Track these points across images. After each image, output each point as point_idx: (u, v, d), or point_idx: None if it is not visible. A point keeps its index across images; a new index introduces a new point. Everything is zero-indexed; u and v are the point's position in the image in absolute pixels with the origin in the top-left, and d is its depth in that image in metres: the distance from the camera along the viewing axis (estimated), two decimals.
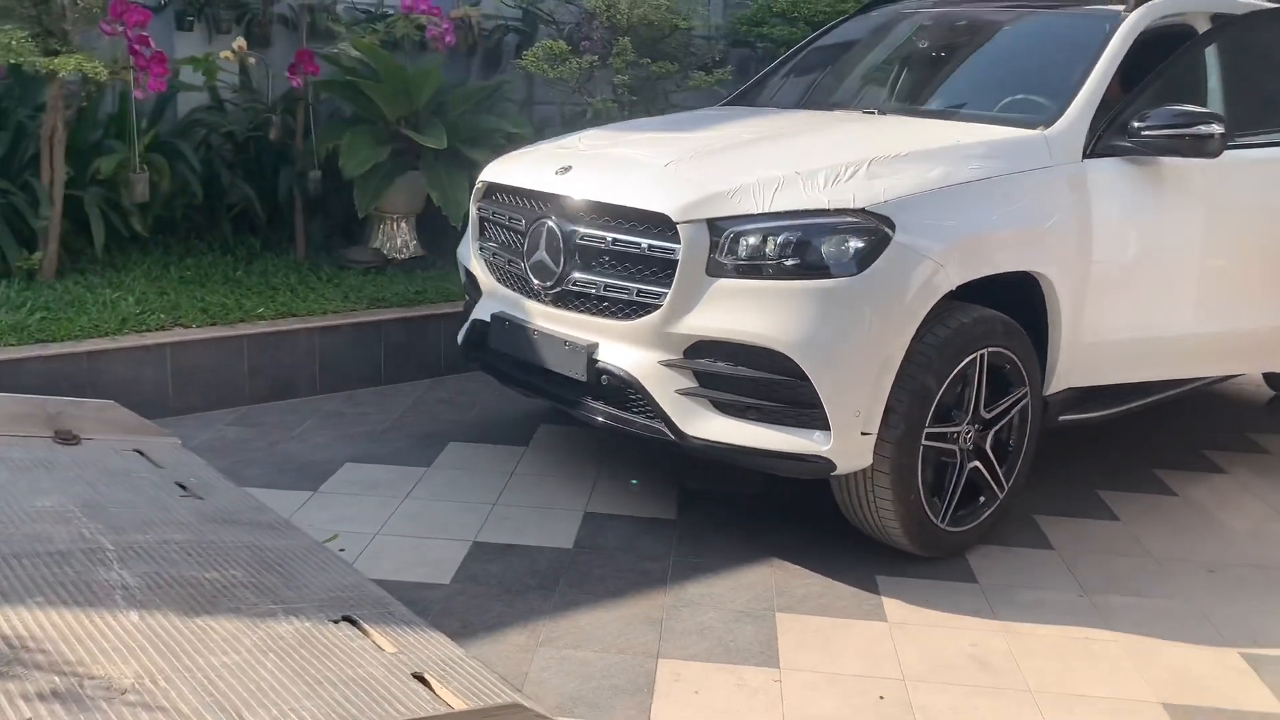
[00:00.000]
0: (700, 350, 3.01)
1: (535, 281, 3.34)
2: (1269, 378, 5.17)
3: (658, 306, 3.01)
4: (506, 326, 3.45)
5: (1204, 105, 3.94)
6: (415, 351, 4.80)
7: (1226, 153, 3.75)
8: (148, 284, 4.72)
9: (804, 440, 2.94)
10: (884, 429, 3.00)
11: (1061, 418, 3.61)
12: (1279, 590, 3.21)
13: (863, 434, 2.94)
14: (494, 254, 3.59)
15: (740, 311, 2.93)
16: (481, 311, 3.63)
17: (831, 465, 2.95)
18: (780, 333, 2.88)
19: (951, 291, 3.06)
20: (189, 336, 4.30)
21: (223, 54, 5.08)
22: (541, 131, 5.65)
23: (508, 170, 3.57)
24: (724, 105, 4.61)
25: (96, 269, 4.86)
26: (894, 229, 2.92)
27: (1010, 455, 3.38)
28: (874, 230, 2.91)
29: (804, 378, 2.88)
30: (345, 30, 5.47)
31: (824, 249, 2.90)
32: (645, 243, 3.04)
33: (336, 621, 2.58)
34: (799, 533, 3.39)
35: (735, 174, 3.06)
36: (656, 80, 6.03)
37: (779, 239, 2.91)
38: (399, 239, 5.57)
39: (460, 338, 3.77)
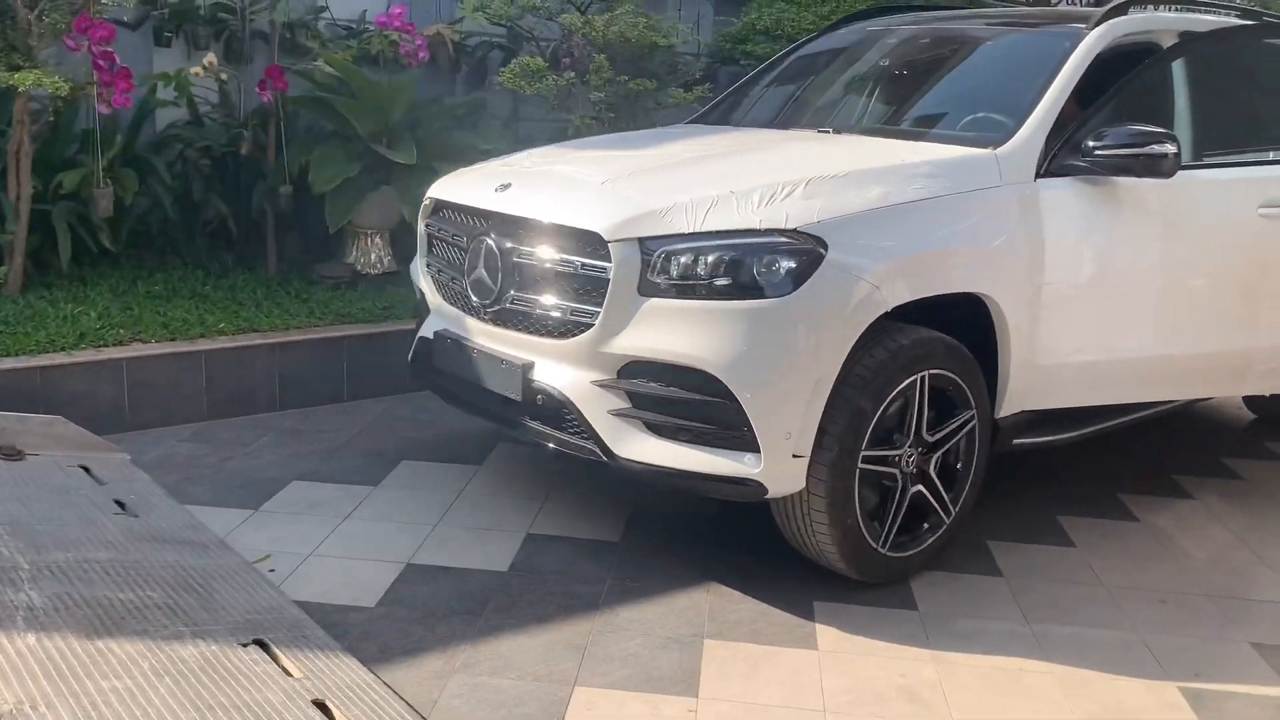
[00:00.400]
0: (633, 370, 2.97)
1: (475, 299, 3.31)
2: (1248, 401, 5.08)
3: (591, 326, 2.97)
4: (449, 345, 3.42)
5: (1168, 125, 3.88)
6: (379, 368, 4.77)
7: (1188, 172, 3.70)
8: (113, 299, 4.72)
9: (734, 463, 2.89)
10: (818, 452, 2.94)
11: (1016, 441, 3.54)
12: (1232, 621, 3.13)
13: (794, 456, 2.89)
14: (439, 271, 3.56)
15: (671, 331, 2.88)
16: (427, 329, 3.60)
17: (763, 489, 2.89)
18: (709, 353, 2.83)
19: (891, 312, 3.00)
20: (147, 352, 4.28)
21: (193, 70, 5.09)
22: (523, 148, 5.64)
23: (453, 187, 3.55)
24: (689, 123, 4.57)
25: (63, 284, 4.86)
26: (827, 249, 2.87)
27: (958, 479, 3.32)
28: (806, 250, 2.86)
29: (733, 399, 2.83)
30: (320, 46, 5.47)
31: (755, 269, 2.86)
32: (579, 261, 3.00)
33: (246, 645, 2.55)
34: (744, 556, 3.33)
35: (670, 192, 3.02)
36: (636, 97, 6.01)
37: (710, 258, 2.87)
38: (373, 254, 5.56)
39: (409, 356, 3.74)
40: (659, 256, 2.89)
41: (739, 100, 4.56)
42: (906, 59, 4.20)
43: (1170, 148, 3.32)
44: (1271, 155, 3.88)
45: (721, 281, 2.86)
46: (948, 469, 3.31)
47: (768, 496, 2.93)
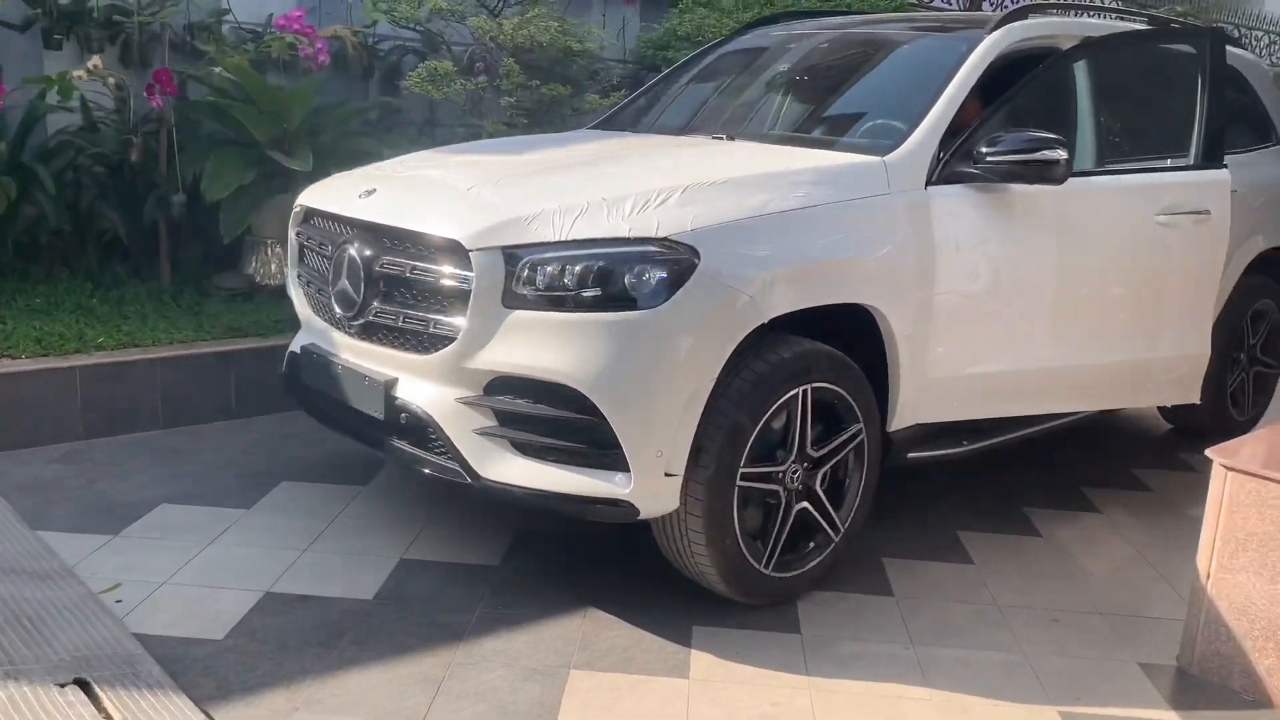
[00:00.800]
0: (499, 387, 2.82)
1: (339, 311, 3.15)
2: (1164, 412, 5.03)
3: (453, 340, 2.82)
4: (316, 360, 3.25)
5: (1066, 131, 3.81)
6: (270, 383, 4.56)
7: (1085, 179, 3.63)
8: None
9: (604, 483, 2.75)
10: (693, 470, 2.81)
11: (911, 455, 3.45)
12: (1122, 640, 3.04)
13: (667, 475, 2.76)
14: (308, 282, 3.39)
15: (537, 346, 2.74)
16: (297, 343, 3.43)
17: (635, 510, 2.76)
18: (574, 368, 2.69)
19: (771, 324, 2.89)
20: (16, 368, 4.07)
21: (76, 73, 4.87)
22: None
23: (321, 193, 3.38)
24: (590, 128, 4.44)
25: None
26: (699, 259, 2.75)
27: (847, 496, 3.20)
28: (677, 260, 2.74)
29: (600, 416, 2.69)
30: (218, 50, 5.28)
31: (624, 279, 2.72)
32: (441, 271, 2.86)
33: (64, 685, 2.37)
34: (629, 579, 3.19)
35: (538, 199, 2.88)
36: (550, 103, 5.87)
37: (577, 268, 2.73)
38: (273, 264, 5.36)
39: (281, 371, 3.57)
40: (524, 266, 2.75)
41: (642, 106, 4.43)
42: (809, 64, 4.10)
43: (1060, 154, 3.24)
44: (1170, 162, 3.82)
45: (589, 293, 2.72)
46: (837, 485, 3.20)
47: (641, 518, 2.80)
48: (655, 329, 2.70)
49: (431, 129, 6.65)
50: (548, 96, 5.84)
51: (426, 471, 2.96)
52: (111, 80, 5.02)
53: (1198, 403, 3.97)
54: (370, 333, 3.06)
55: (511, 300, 2.76)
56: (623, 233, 2.75)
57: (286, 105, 5.12)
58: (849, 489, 3.20)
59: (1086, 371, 3.65)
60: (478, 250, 2.75)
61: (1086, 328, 3.61)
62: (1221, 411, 4.66)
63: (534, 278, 2.74)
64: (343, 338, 3.15)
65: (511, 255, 2.75)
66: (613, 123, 4.39)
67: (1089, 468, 4.44)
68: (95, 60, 4.90)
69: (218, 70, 5.21)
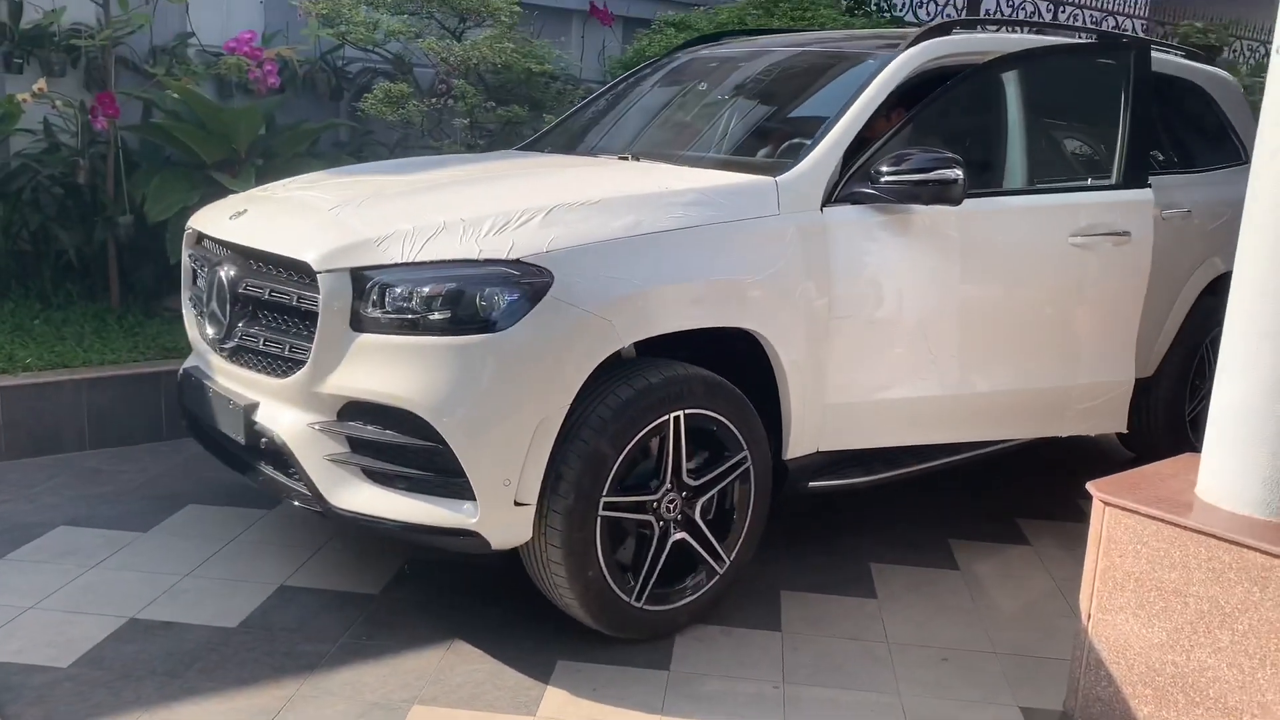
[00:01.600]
0: (351, 412, 2.76)
1: (211, 333, 3.11)
2: (1123, 439, 4.84)
3: (306, 363, 2.76)
4: (194, 383, 3.22)
5: (979, 150, 3.70)
6: None
7: (994, 199, 3.51)
8: None
9: (452, 512, 2.67)
10: (551, 499, 2.72)
11: (812, 485, 3.33)
12: (1012, 683, 2.89)
13: (517, 504, 2.67)
14: (193, 304, 3.36)
15: (383, 370, 2.67)
16: (183, 366, 3.39)
17: (484, 540, 2.67)
18: (417, 393, 2.62)
19: (649, 346, 2.80)
20: None
21: (21, 96, 4.92)
22: None
23: (205, 216, 3.35)
24: (517, 149, 4.39)
25: None
26: (553, 281, 2.67)
27: (734, 526, 3.09)
28: (528, 282, 2.66)
29: (443, 442, 2.61)
30: (166, 72, 5.30)
31: (471, 302, 2.65)
32: (294, 293, 2.80)
33: None
34: (509, 610, 3.11)
35: (395, 220, 2.82)
36: (508, 124, 5.84)
37: (425, 290, 2.66)
38: None
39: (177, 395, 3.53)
40: (372, 288, 2.69)
41: (568, 125, 4.37)
42: (729, 85, 4.02)
43: (955, 173, 3.12)
44: (1090, 181, 3.68)
45: (436, 315, 2.65)
46: (724, 515, 3.10)
47: (494, 549, 2.71)
48: (501, 353, 2.62)
49: (404, 150, 6.65)
50: (505, 117, 5.81)
51: (295, 502, 2.90)
52: (59, 102, 5.05)
53: (1124, 430, 3.80)
54: (238, 355, 3.02)
55: (360, 323, 2.69)
56: (473, 254, 2.68)
57: (233, 126, 5.13)
58: (736, 519, 3.09)
59: (998, 398, 3.50)
60: (325, 272, 2.70)
61: (996, 353, 3.47)
62: (1180, 439, 4.47)
63: (382, 300, 2.68)
64: (217, 360, 3.11)
65: (359, 277, 2.69)
66: (538, 143, 4.33)
67: (1031, 496, 4.28)
68: (40, 83, 4.94)
69: (168, 92, 5.24)
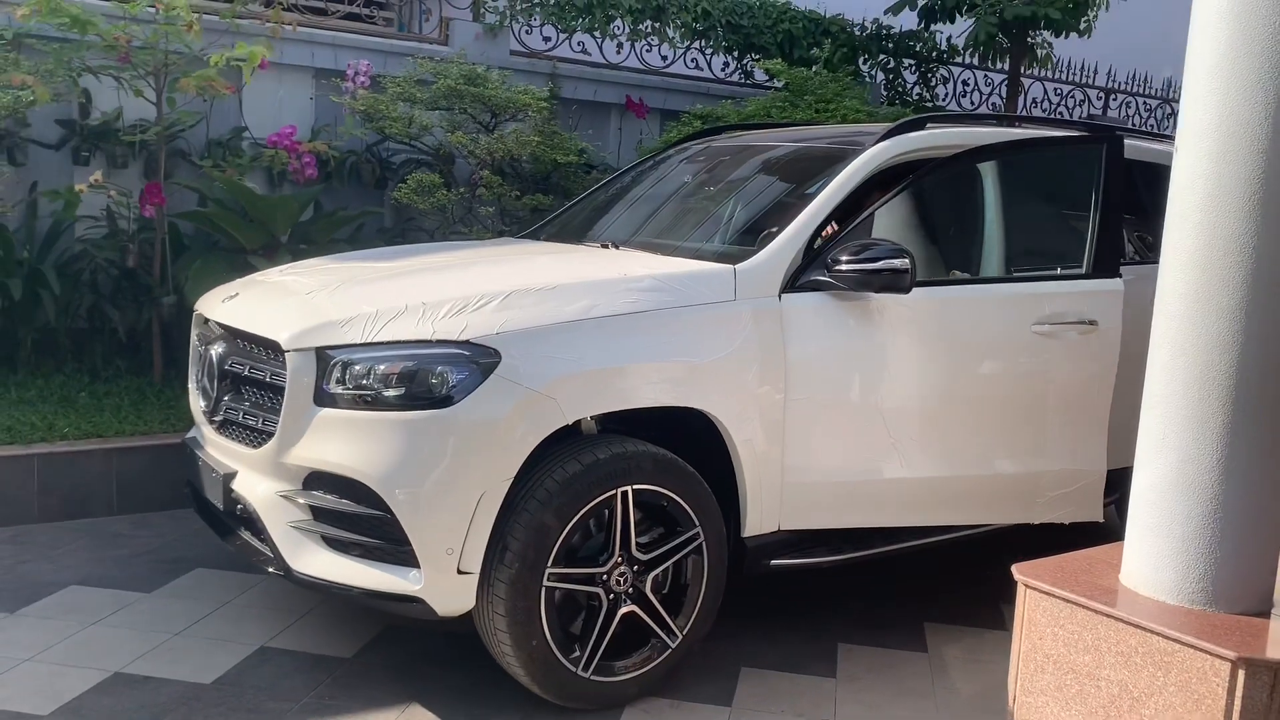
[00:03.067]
0: (315, 482, 2.96)
1: (203, 406, 3.36)
2: None
3: (274, 434, 2.98)
4: (188, 454, 3.46)
5: (943, 241, 3.82)
6: None
7: (954, 288, 3.61)
8: None
9: (399, 579, 2.83)
10: (497, 568, 2.87)
11: (774, 562, 3.41)
12: None
13: (460, 573, 2.82)
14: (195, 380, 3.62)
15: (341, 442, 2.87)
16: (184, 437, 3.64)
17: (429, 608, 2.82)
18: (367, 464, 2.81)
19: (607, 423, 2.97)
20: None
21: (79, 187, 5.35)
22: None
23: (207, 298, 3.64)
24: (519, 237, 4.63)
25: None
26: (499, 361, 2.85)
27: (687, 601, 3.19)
28: (475, 362, 2.84)
29: (389, 512, 2.79)
30: (213, 165, 5.71)
31: (422, 380, 2.84)
32: (269, 370, 3.04)
33: None
34: (470, 675, 3.23)
35: (361, 303, 3.04)
36: (534, 210, 6.11)
37: (381, 369, 2.87)
38: None
39: None
40: (334, 366, 2.91)
41: (568, 215, 4.60)
42: (712, 177, 4.22)
43: (904, 262, 3.24)
44: (1059, 270, 3.75)
45: (391, 393, 2.85)
46: (679, 589, 3.20)
47: (440, 616, 2.86)
48: (447, 428, 2.80)
49: (443, 235, 6.99)
50: (529, 205, 6.09)
51: (268, 568, 3.09)
52: (114, 192, 5.48)
53: (1100, 520, 3.79)
54: (224, 428, 3.25)
55: (323, 398, 2.91)
56: (427, 335, 2.88)
57: (270, 213, 5.49)
58: (689, 594, 3.19)
59: (963, 483, 3.55)
60: (293, 350, 2.92)
61: (959, 439, 3.53)
62: None
63: (343, 377, 2.89)
64: (209, 431, 3.36)
65: (323, 355, 2.91)
66: (538, 231, 4.56)
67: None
68: (97, 175, 5.38)
69: (216, 183, 5.65)
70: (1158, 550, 2.48)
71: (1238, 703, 2.21)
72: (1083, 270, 3.73)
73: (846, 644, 3.63)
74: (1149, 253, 4.11)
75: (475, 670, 3.26)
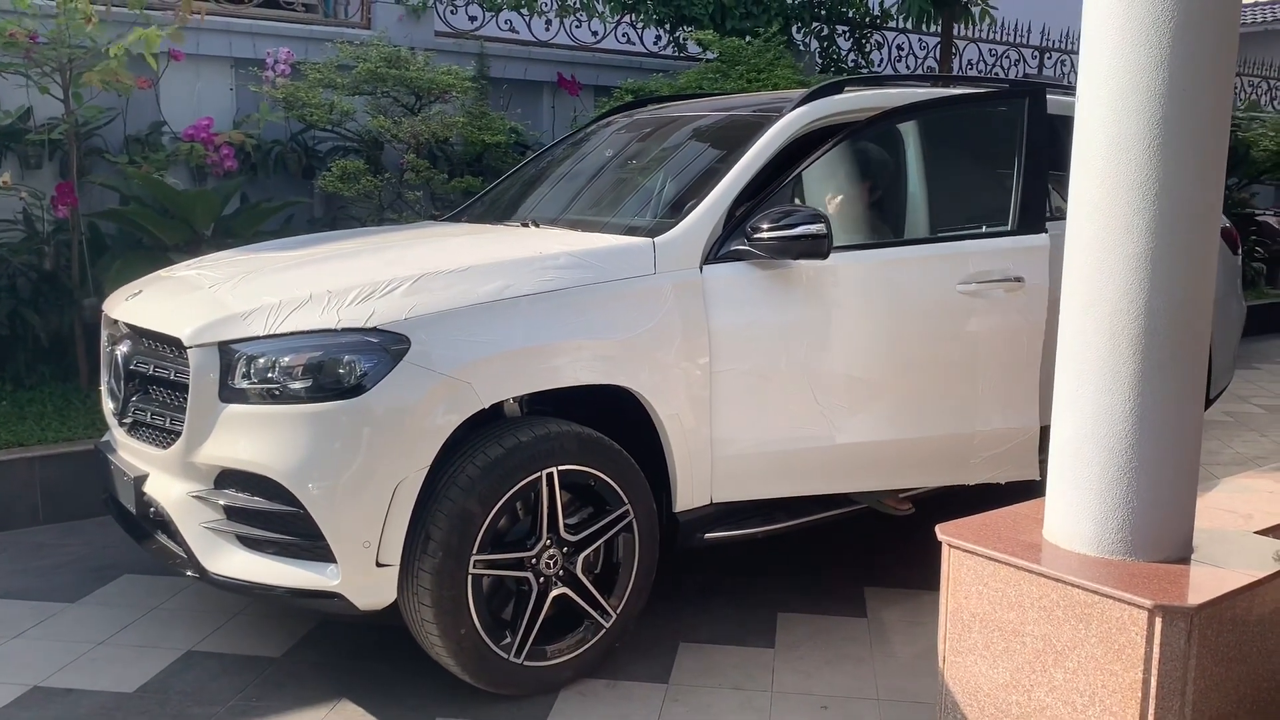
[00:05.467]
0: (226, 481, 2.88)
1: (112, 408, 3.26)
2: None
3: (181, 434, 2.89)
4: (100, 458, 3.36)
5: (868, 203, 3.78)
6: None
7: (876, 251, 3.58)
8: None
9: (316, 575, 2.77)
10: (420, 558, 2.81)
11: (708, 536, 3.38)
12: None
13: (380, 565, 2.76)
14: (104, 382, 3.51)
15: (247, 438, 2.79)
16: (97, 442, 3.54)
17: (349, 602, 2.76)
18: (275, 460, 2.73)
19: (533, 404, 2.91)
20: None
21: None
22: None
23: (112, 296, 3.52)
24: (441, 220, 4.54)
25: None
26: (409, 347, 2.78)
27: (619, 580, 3.15)
28: (384, 349, 2.77)
29: (301, 507, 2.71)
30: (128, 162, 5.56)
31: (329, 371, 2.77)
32: (172, 368, 2.95)
33: None
34: (400, 667, 3.17)
35: (265, 294, 2.96)
36: (465, 193, 6.02)
37: (285, 361, 2.78)
38: None
39: None
40: (238, 361, 2.82)
41: (492, 195, 4.52)
42: (634, 150, 4.15)
43: (821, 228, 3.20)
44: (984, 228, 3.73)
45: (296, 385, 2.77)
46: (611, 569, 3.16)
47: (362, 610, 2.80)
48: (357, 418, 2.73)
49: (376, 222, 6.87)
50: (459, 188, 5.99)
51: (187, 573, 3.00)
52: (25, 193, 5.31)
53: (1037, 478, 3.79)
54: (133, 429, 3.15)
55: (228, 395, 2.82)
56: (332, 324, 2.80)
57: (190, 209, 5.35)
58: (621, 573, 3.15)
59: (894, 446, 3.53)
60: (195, 347, 2.84)
61: (887, 402, 3.51)
62: None
63: (248, 372, 2.81)
64: (119, 434, 3.26)
65: (226, 350, 2.82)
66: (460, 214, 4.47)
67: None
68: (5, 177, 5.21)
69: (133, 180, 5.49)
70: (1077, 503, 2.47)
71: (1156, 651, 2.21)
72: (1008, 227, 3.71)
73: (786, 613, 3.61)
74: None
75: (407, 662, 3.20)
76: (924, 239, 3.67)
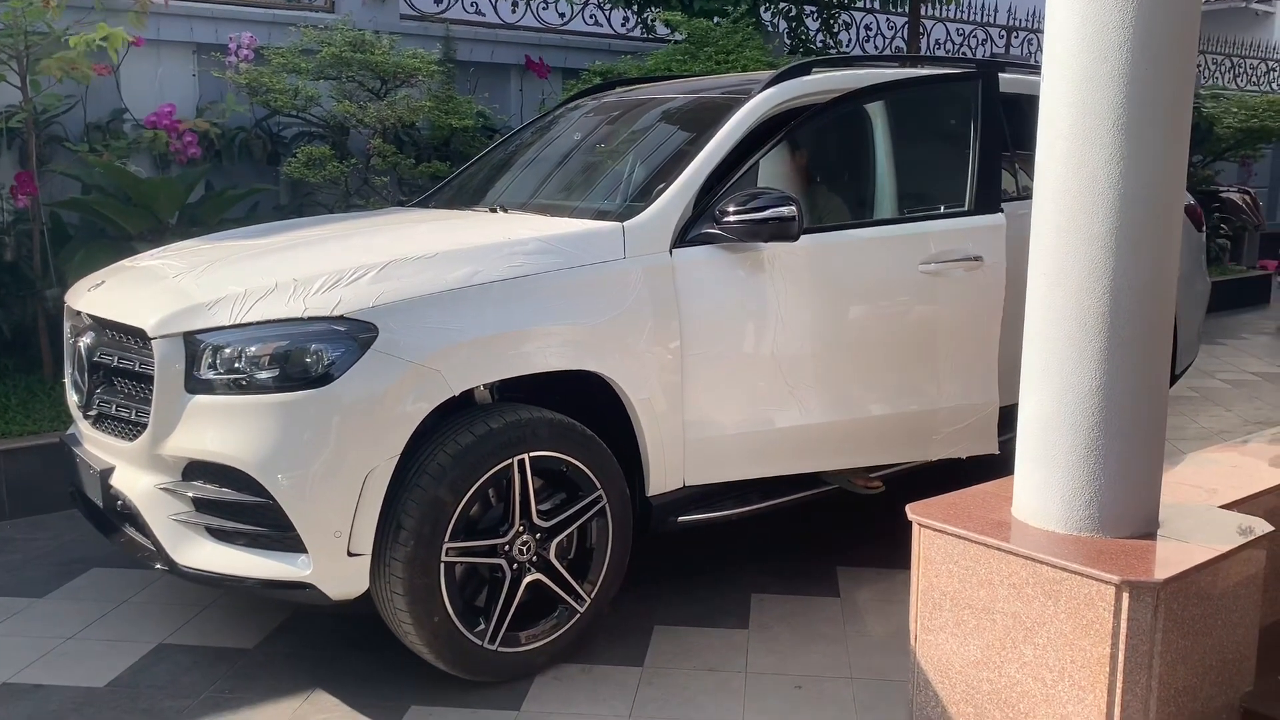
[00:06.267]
0: (194, 472, 2.85)
1: (76, 401, 3.21)
2: None
3: (148, 426, 2.86)
4: (66, 451, 3.31)
5: (835, 183, 3.79)
6: None
7: (842, 232, 3.59)
8: None
9: (287, 566, 2.75)
10: (392, 547, 2.79)
11: (681, 519, 3.38)
12: (860, 709, 2.93)
13: (351, 555, 2.74)
14: (68, 374, 3.46)
15: (216, 429, 2.76)
16: (61, 436, 3.49)
17: (321, 592, 2.74)
18: (243, 450, 2.71)
19: (504, 391, 2.89)
20: None
21: None
22: None
23: (75, 288, 3.47)
24: (410, 206, 4.50)
25: None
26: (377, 335, 2.75)
27: (593, 565, 3.15)
28: (351, 337, 2.75)
29: (270, 498, 2.69)
30: (89, 150, 5.47)
31: (296, 360, 2.74)
32: (137, 359, 2.91)
33: None
34: (373, 656, 3.16)
35: (229, 284, 2.92)
36: (433, 178, 5.97)
37: (251, 350, 2.76)
38: None
39: None
40: (204, 351, 2.79)
41: (459, 180, 4.49)
42: (603, 133, 4.13)
43: (791, 210, 3.20)
44: (942, 209, 3.74)
45: (263, 374, 2.75)
46: (585, 554, 3.15)
47: (335, 599, 2.78)
48: (325, 407, 2.71)
49: (344, 209, 6.80)
50: (426, 173, 5.95)
51: (156, 565, 2.96)
52: None
53: (996, 453, 3.82)
54: (98, 421, 3.11)
55: (194, 385, 2.79)
56: (299, 313, 2.77)
57: (154, 197, 5.28)
58: (595, 558, 3.15)
59: (860, 425, 3.55)
60: (160, 338, 2.80)
61: (853, 382, 3.52)
62: None
63: (214, 362, 2.78)
64: (84, 427, 3.22)
65: (191, 340, 2.79)
66: (428, 200, 4.43)
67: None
68: None
69: (95, 169, 5.41)
70: (1044, 481, 2.49)
71: (1124, 625, 2.23)
72: (965, 207, 3.73)
73: (760, 594, 3.63)
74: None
75: (381, 651, 3.19)
76: (888, 220, 3.68)
